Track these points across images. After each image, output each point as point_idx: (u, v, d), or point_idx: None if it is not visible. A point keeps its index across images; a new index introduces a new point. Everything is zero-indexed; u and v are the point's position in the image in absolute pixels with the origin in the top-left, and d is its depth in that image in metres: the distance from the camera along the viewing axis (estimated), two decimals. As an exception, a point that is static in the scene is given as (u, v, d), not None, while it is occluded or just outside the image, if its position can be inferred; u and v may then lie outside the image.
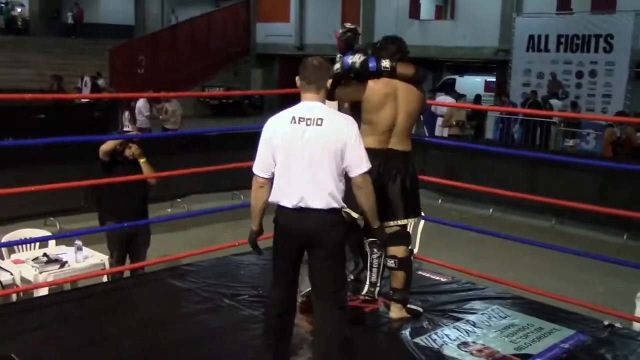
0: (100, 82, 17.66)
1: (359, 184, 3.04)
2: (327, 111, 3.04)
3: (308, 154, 2.96)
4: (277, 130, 3.03)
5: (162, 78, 19.48)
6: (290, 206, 3.00)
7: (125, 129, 11.18)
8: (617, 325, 4.01)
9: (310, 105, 3.03)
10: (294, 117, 3.00)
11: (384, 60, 3.78)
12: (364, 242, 4.11)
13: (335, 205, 2.99)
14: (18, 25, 25.08)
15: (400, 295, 3.91)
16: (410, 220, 3.98)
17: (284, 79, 22.63)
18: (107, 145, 5.07)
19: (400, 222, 3.88)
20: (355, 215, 3.63)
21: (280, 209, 3.05)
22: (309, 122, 2.97)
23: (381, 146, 3.79)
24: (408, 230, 4.04)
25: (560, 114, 13.92)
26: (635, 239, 8.60)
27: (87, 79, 17.18)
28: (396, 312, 3.95)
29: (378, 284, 4.08)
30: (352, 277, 4.32)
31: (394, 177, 3.82)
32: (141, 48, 20.65)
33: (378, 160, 3.63)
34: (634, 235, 8.61)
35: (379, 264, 4.03)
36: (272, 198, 3.07)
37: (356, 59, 3.80)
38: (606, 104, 15.36)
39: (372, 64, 3.77)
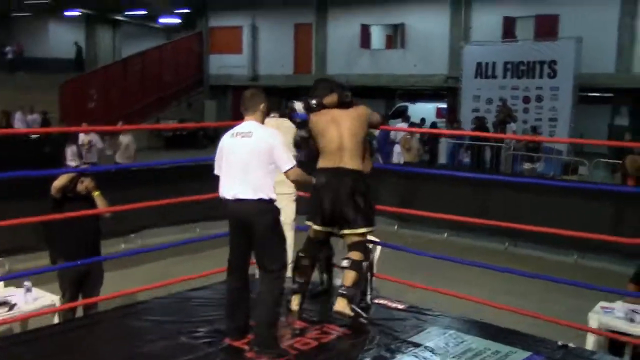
0: (34, 116, 17.25)
1: (289, 176, 3.93)
2: (256, 127, 3.93)
3: (240, 158, 3.85)
4: (223, 143, 3.99)
5: (114, 111, 19.29)
6: (230, 198, 3.88)
7: (71, 163, 11.03)
8: (571, 345, 4.08)
9: (246, 124, 3.96)
10: (233, 133, 3.97)
11: (312, 100, 4.46)
12: (331, 260, 4.68)
13: (262, 196, 3.80)
14: None
15: (347, 292, 4.18)
16: (363, 229, 4.27)
17: (238, 110, 22.60)
18: (60, 181, 4.96)
19: (356, 231, 4.25)
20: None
21: (225, 201, 3.91)
22: (242, 135, 3.91)
23: (332, 165, 4.30)
24: (365, 242, 4.35)
25: (516, 137, 14.31)
26: (585, 258, 8.84)
27: (18, 113, 16.77)
28: (341, 305, 4.16)
29: (369, 293, 4.54)
30: (310, 293, 4.65)
31: (345, 190, 4.23)
32: (92, 82, 20.42)
33: (328, 174, 4.27)
34: (584, 255, 8.85)
35: (368, 277, 4.48)
36: (220, 193, 3.95)
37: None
38: (553, 127, 15.87)
39: (296, 114, 4.76)
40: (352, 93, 4.52)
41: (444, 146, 16.24)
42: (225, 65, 23.55)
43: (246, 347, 3.90)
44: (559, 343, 4.09)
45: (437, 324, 4.42)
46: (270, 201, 3.85)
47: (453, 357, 3.86)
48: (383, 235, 6.19)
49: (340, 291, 4.20)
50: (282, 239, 3.96)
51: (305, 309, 4.57)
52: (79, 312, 5.05)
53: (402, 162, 13.44)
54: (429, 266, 7.04)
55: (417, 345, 4.02)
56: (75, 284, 5.08)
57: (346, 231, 4.28)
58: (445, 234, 10.03)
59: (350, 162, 4.26)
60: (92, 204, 5.06)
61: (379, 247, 5.50)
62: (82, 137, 11.88)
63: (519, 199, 9.04)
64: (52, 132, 15.44)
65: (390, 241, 6.34)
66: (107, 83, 20.61)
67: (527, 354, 3.91)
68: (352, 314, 4.17)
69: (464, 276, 7.13)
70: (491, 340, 4.11)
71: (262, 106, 3.99)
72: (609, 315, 4.87)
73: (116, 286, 5.52)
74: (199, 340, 4.01)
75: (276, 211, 3.91)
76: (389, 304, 4.81)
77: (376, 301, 4.82)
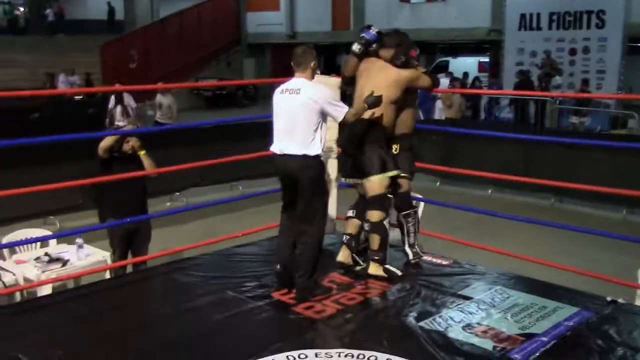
0: (74, 78, 17.47)
1: (345, 121, 4.11)
2: (305, 84, 3.98)
3: (287, 115, 3.97)
4: (273, 99, 4.11)
5: (154, 72, 19.41)
6: (278, 152, 4.04)
7: (119, 123, 11.18)
8: (620, 300, 4.02)
9: (295, 81, 4.04)
10: (282, 89, 4.06)
11: (358, 46, 4.51)
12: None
13: (307, 152, 3.92)
14: (20, 25, 24.95)
15: (376, 255, 4.37)
16: (375, 176, 4.35)
17: (277, 67, 22.57)
18: (106, 142, 5.05)
19: (369, 179, 4.37)
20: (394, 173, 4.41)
21: (273, 155, 4.07)
22: (290, 92, 3.99)
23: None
24: (382, 196, 4.41)
25: (557, 94, 13.91)
26: (633, 213, 8.64)
27: (62, 75, 16.99)
28: (374, 269, 4.38)
29: (416, 245, 4.75)
30: (356, 249, 4.70)
31: (355, 139, 4.41)
32: (132, 43, 20.55)
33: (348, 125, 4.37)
34: (632, 211, 8.65)
35: (415, 230, 4.73)
36: (271, 148, 4.09)
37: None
38: (600, 80, 15.35)
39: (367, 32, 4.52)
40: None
41: (486, 101, 15.91)
42: (263, 23, 23.37)
43: (292, 302, 3.96)
44: (608, 299, 4.04)
45: (483, 280, 4.40)
46: (316, 157, 3.95)
47: (499, 311, 3.85)
48: (425, 192, 6.17)
49: (370, 257, 4.39)
50: (324, 193, 4.11)
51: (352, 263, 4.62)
52: (129, 268, 5.18)
53: (443, 118, 13.24)
54: (473, 223, 7.00)
55: (462, 300, 4.02)
56: (124, 240, 5.21)
57: (360, 180, 4.48)
58: (490, 191, 9.91)
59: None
60: (138, 164, 5.14)
61: (422, 204, 5.48)
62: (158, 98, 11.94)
63: (565, 155, 8.85)
64: (94, 91, 15.65)
65: (433, 198, 6.30)
66: (146, 43, 20.71)
67: (575, 309, 3.87)
68: (385, 275, 4.34)
69: (509, 233, 7.07)
70: (538, 295, 4.08)
71: (312, 64, 4.03)
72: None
73: (164, 243, 5.66)
74: (246, 294, 4.08)
75: (321, 166, 4.05)
76: (434, 259, 4.81)
77: (422, 256, 4.83)
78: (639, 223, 8.38)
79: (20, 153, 7.35)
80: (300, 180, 3.94)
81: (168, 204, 8.88)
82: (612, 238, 5.09)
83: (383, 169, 4.36)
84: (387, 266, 4.42)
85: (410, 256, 4.72)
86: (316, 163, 3.97)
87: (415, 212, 4.79)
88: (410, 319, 3.75)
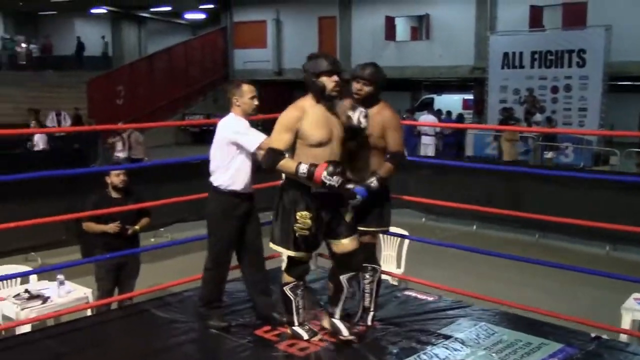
0: (62, 117, 17.29)
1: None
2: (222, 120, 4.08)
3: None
4: None
5: (141, 108, 19.47)
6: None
7: (120, 154, 11.24)
8: (604, 337, 4.02)
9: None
10: None
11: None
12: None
13: (213, 183, 4.05)
14: (18, 62, 25.06)
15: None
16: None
17: (263, 104, 22.67)
18: (96, 228, 5.15)
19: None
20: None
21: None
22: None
23: None
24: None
25: (541, 130, 14.12)
26: (617, 249, 8.70)
27: (52, 114, 16.85)
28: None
29: (372, 309, 4.17)
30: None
31: None
32: (119, 79, 20.63)
33: None
34: (616, 246, 8.71)
35: (371, 289, 4.14)
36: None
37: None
38: (582, 118, 15.61)
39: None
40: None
41: (470, 138, 16.09)
42: (250, 59, 23.60)
43: (275, 339, 3.91)
44: (592, 335, 4.03)
45: (467, 316, 4.38)
46: (216, 188, 4.06)
47: (484, 349, 3.82)
48: (410, 228, 6.19)
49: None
50: (216, 230, 4.13)
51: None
52: (113, 304, 5.12)
53: (428, 153, 13.32)
54: (457, 259, 6.99)
55: (447, 337, 3.99)
56: (111, 273, 5.20)
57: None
58: (474, 227, 9.95)
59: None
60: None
61: (406, 240, 5.49)
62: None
63: (548, 191, 8.91)
64: (79, 130, 15.63)
65: (418, 234, 6.32)
66: (134, 79, 20.80)
67: (560, 345, 3.86)
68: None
69: (494, 269, 7.07)
70: (523, 332, 4.06)
71: (233, 98, 4.04)
72: (643, 306, 4.79)
73: (149, 279, 5.60)
74: (228, 332, 4.03)
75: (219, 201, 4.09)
76: (418, 295, 4.79)
77: (406, 293, 4.81)
78: (622, 259, 8.43)
79: (3, 188, 7.30)
80: None
81: (152, 239, 8.81)
82: (595, 275, 5.10)
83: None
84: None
85: (357, 318, 4.13)
86: (213, 197, 4.07)
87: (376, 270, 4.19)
88: (395, 356, 3.71)
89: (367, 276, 4.12)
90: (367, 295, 4.15)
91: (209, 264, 4.14)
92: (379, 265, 4.26)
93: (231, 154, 3.96)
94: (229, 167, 3.97)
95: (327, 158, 3.57)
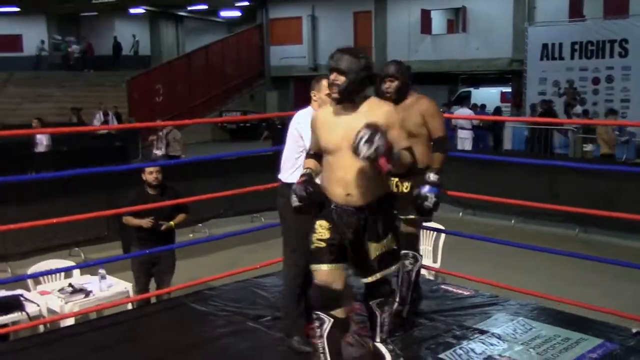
0: (109, 117, 17.61)
1: None
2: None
3: None
4: None
5: (179, 105, 19.76)
6: None
7: (157, 152, 11.46)
8: (646, 332, 3.94)
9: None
10: None
11: None
12: None
13: (280, 176, 3.93)
14: (70, 62, 25.77)
15: None
16: None
17: (300, 99, 22.78)
18: (133, 222, 5.27)
19: None
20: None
21: None
22: None
23: None
24: None
25: (578, 122, 13.82)
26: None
27: (99, 114, 17.20)
28: None
29: (408, 302, 4.12)
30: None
31: None
32: (158, 77, 20.96)
33: None
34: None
35: (410, 279, 4.09)
36: None
37: None
38: (625, 109, 15.22)
39: None
40: (414, 80, 4.22)
41: (508, 132, 15.86)
42: (286, 56, 23.70)
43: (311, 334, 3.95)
44: (633, 330, 3.95)
45: (505, 311, 4.34)
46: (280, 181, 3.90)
47: (521, 344, 3.79)
48: (447, 223, 6.15)
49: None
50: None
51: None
52: (153, 298, 5.24)
53: (465, 147, 13.12)
54: (495, 253, 6.93)
55: (483, 332, 3.97)
56: (144, 269, 5.32)
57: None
58: (512, 221, 9.81)
59: None
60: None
61: (443, 234, 5.46)
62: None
63: (589, 184, 8.74)
64: (121, 128, 15.94)
65: (455, 229, 6.27)
66: (172, 78, 21.10)
67: (599, 341, 3.80)
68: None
69: (531, 263, 6.98)
70: (561, 327, 4.01)
71: (312, 93, 3.91)
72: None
73: (185, 273, 5.70)
74: (265, 326, 4.09)
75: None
76: (455, 290, 4.77)
77: (443, 286, 4.79)
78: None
79: (48, 185, 7.52)
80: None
81: (191, 235, 8.95)
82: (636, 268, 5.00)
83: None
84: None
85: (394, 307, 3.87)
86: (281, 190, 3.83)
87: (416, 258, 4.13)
88: (431, 351, 3.71)
89: (408, 264, 4.09)
90: (404, 284, 4.10)
91: (292, 260, 3.81)
92: (420, 255, 4.23)
93: (300, 146, 3.76)
94: (296, 161, 3.77)
95: (333, 166, 3.23)
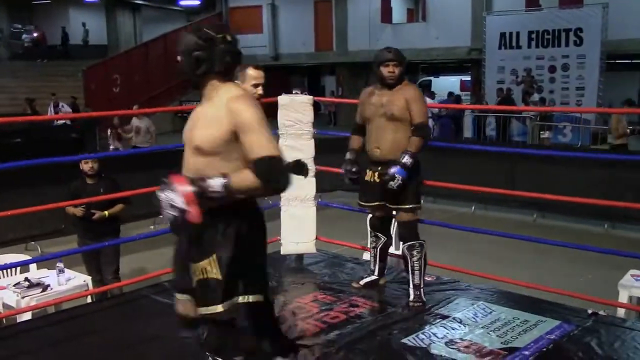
0: (65, 107, 17.19)
1: None
2: None
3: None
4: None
5: (138, 95, 19.38)
6: None
7: (111, 146, 11.30)
8: (602, 312, 4.05)
9: None
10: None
11: None
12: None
13: None
14: (19, 52, 25.03)
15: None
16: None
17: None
18: (69, 211, 5.42)
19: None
20: None
21: None
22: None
23: None
24: None
25: (536, 109, 14.10)
26: (615, 227, 8.72)
27: (51, 105, 16.70)
28: None
29: (422, 286, 4.25)
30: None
31: None
32: (115, 67, 20.53)
33: None
34: (615, 224, 8.74)
35: (420, 266, 4.24)
36: None
37: None
38: (580, 97, 15.58)
39: None
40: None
41: (468, 119, 16.07)
42: (247, 45, 23.42)
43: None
44: (589, 311, 4.06)
45: (465, 295, 4.41)
46: None
47: (482, 327, 3.85)
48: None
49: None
50: None
51: (334, 282, 4.62)
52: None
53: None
54: (455, 240, 7.02)
55: (445, 316, 4.03)
56: (89, 260, 5.50)
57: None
58: (473, 208, 9.96)
59: None
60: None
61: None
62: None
63: (547, 170, 8.91)
64: (77, 117, 15.61)
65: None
66: (130, 67, 20.69)
67: (557, 322, 3.89)
68: None
69: (492, 249, 7.10)
70: (520, 310, 4.09)
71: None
72: (640, 283, 4.81)
73: (151, 265, 5.64)
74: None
75: None
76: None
77: (403, 274, 4.82)
78: (621, 236, 8.45)
79: (1, 177, 7.30)
80: None
81: (152, 227, 8.82)
82: (593, 252, 5.14)
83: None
84: None
85: (411, 297, 4.25)
86: None
87: (422, 245, 4.31)
88: (394, 336, 3.74)
89: (415, 253, 4.23)
90: (416, 272, 4.25)
91: None
92: (423, 240, 4.33)
93: None
94: None
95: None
